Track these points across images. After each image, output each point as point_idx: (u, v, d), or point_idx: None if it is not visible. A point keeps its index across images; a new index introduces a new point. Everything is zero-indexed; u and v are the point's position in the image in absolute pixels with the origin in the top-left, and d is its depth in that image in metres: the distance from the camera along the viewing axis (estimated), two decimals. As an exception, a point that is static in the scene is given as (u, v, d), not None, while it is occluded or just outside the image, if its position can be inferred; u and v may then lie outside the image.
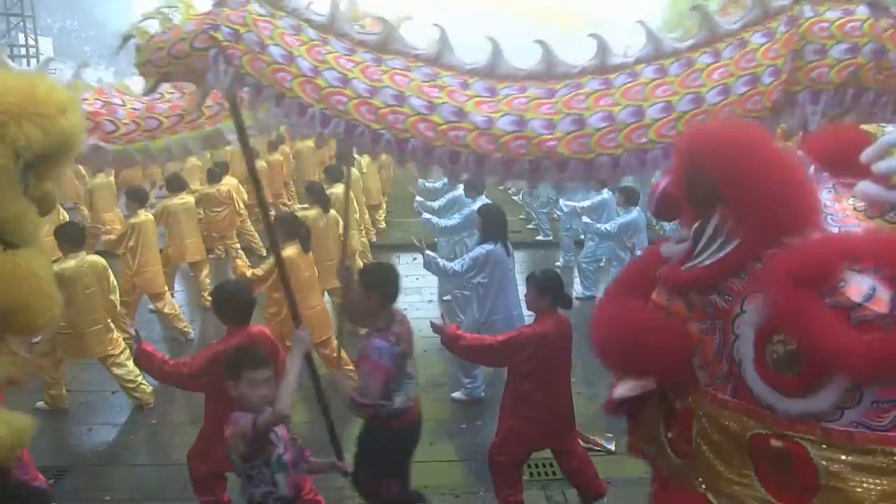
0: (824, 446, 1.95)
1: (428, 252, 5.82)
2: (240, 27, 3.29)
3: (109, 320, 5.94)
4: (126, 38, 3.50)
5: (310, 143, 14.86)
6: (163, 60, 3.41)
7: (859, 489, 1.92)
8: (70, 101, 2.51)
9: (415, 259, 11.20)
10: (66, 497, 4.61)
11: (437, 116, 3.23)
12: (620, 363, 2.36)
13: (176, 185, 8.78)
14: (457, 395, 6.31)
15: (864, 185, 2.20)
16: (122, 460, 5.45)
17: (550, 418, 4.23)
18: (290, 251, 5.92)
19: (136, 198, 7.85)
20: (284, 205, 13.07)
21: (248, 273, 5.83)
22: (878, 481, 1.91)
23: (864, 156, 2.24)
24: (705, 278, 2.15)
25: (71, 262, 5.67)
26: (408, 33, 3.46)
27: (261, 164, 13.01)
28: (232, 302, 4.13)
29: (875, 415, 1.92)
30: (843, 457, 1.94)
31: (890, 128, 2.31)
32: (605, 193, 8.88)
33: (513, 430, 4.28)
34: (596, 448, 5.19)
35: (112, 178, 11.23)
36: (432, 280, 10.05)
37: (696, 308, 2.21)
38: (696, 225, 2.23)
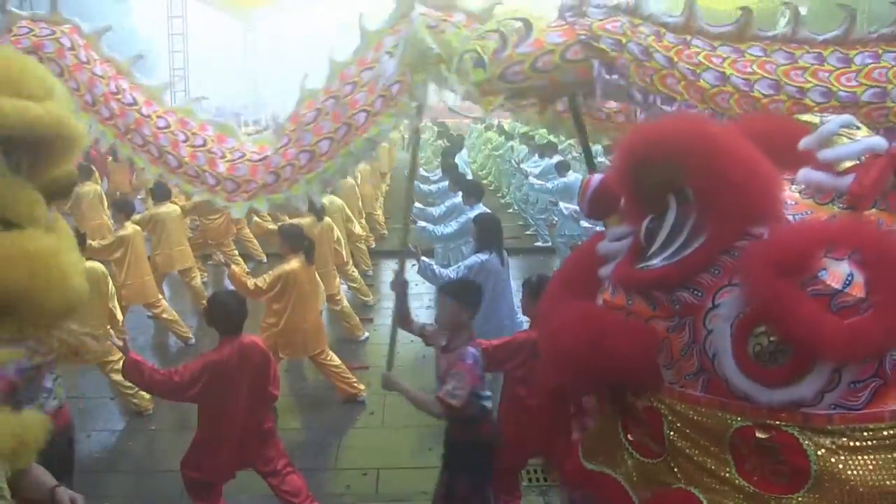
0: (808, 432, 1.98)
1: (423, 258, 5.84)
2: (621, 37, 3.34)
3: (109, 327, 5.95)
4: (467, 59, 3.39)
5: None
6: (521, 75, 3.37)
7: (849, 471, 1.94)
8: (51, 85, 2.27)
9: (413, 265, 11.21)
10: (65, 503, 4.60)
11: (809, 100, 3.33)
12: (585, 370, 2.25)
13: (162, 193, 8.70)
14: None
15: (809, 173, 2.22)
16: (120, 467, 5.46)
17: None
18: (293, 264, 5.93)
19: (123, 209, 7.82)
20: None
21: (250, 284, 5.81)
22: (861, 459, 1.94)
23: (805, 143, 2.26)
24: (673, 276, 2.11)
25: None
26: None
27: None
28: (224, 311, 4.14)
29: (851, 395, 1.95)
30: (824, 439, 1.97)
31: (828, 117, 2.35)
32: None
33: (510, 437, 4.28)
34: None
35: (99, 187, 11.16)
36: (430, 287, 10.04)
37: (661, 306, 2.17)
38: (647, 221, 2.20)
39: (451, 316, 3.94)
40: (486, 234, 5.79)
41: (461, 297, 3.97)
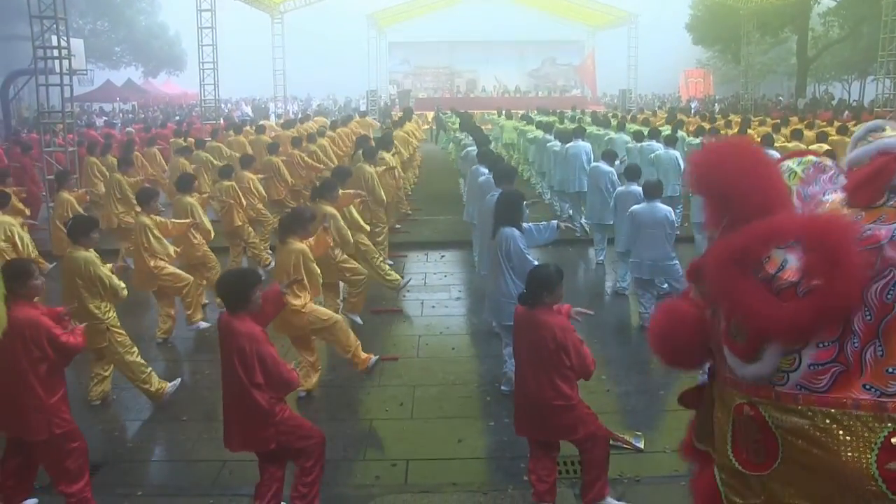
0: (776, 411, 2.17)
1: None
2: None
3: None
4: None
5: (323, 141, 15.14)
6: None
7: (809, 457, 2.11)
8: None
9: (443, 256, 11.22)
10: (99, 492, 4.67)
11: None
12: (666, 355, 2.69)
13: (185, 185, 8.62)
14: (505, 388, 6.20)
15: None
16: (153, 456, 5.53)
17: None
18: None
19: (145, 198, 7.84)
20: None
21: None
22: (817, 450, 2.09)
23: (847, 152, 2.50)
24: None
25: None
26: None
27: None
28: (219, 286, 4.32)
29: (813, 376, 2.11)
30: (794, 419, 2.13)
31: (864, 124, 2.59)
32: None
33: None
34: (625, 446, 5.15)
35: (123, 178, 10.67)
36: (459, 277, 10.06)
37: (705, 296, 2.49)
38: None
39: None
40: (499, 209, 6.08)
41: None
